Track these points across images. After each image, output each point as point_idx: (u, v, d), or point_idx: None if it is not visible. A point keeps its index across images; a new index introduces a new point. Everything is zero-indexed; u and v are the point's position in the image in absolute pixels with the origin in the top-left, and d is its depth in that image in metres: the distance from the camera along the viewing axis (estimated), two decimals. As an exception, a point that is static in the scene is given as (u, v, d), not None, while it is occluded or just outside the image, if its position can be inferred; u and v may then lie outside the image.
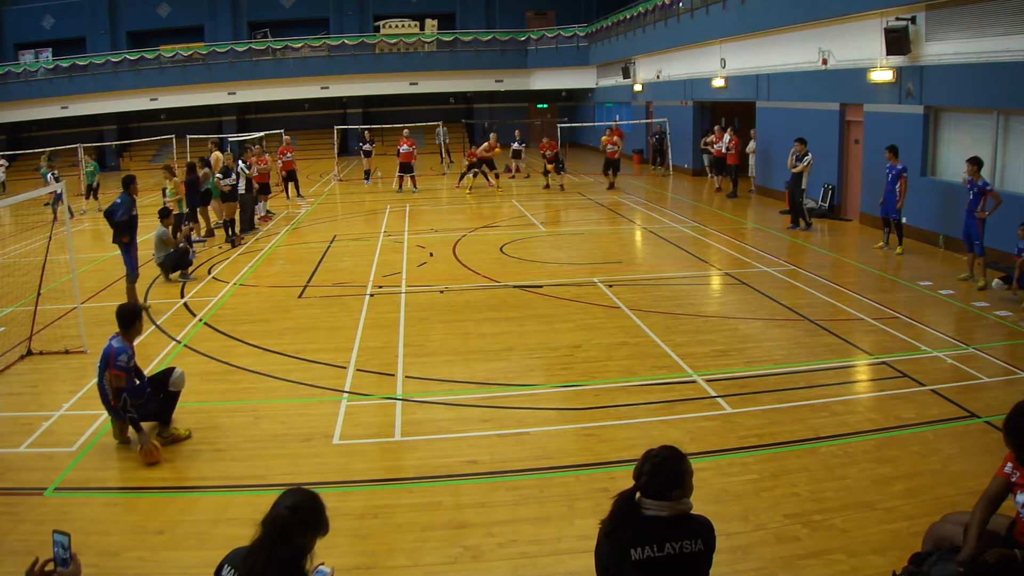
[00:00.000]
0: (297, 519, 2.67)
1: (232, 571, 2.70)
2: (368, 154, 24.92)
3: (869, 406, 6.69)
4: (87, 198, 22.01)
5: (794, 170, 14.71)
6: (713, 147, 20.19)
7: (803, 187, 14.85)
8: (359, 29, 36.87)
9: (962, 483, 5.24)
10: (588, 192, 21.27)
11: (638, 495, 2.97)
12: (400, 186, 22.54)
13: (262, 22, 37.69)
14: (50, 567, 2.60)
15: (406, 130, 23.01)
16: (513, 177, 24.99)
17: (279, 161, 21.01)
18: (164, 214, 12.21)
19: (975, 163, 10.29)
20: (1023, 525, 3.40)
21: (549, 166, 21.82)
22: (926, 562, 3.56)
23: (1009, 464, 3.51)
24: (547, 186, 21.84)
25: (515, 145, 25.26)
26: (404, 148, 21.98)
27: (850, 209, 15.71)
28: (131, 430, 6.18)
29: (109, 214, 10.00)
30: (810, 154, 14.67)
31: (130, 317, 6.19)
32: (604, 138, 22.44)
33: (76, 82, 33.61)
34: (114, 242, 10.13)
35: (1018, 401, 3.52)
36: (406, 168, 22.20)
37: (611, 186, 21.73)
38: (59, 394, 7.44)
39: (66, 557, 2.60)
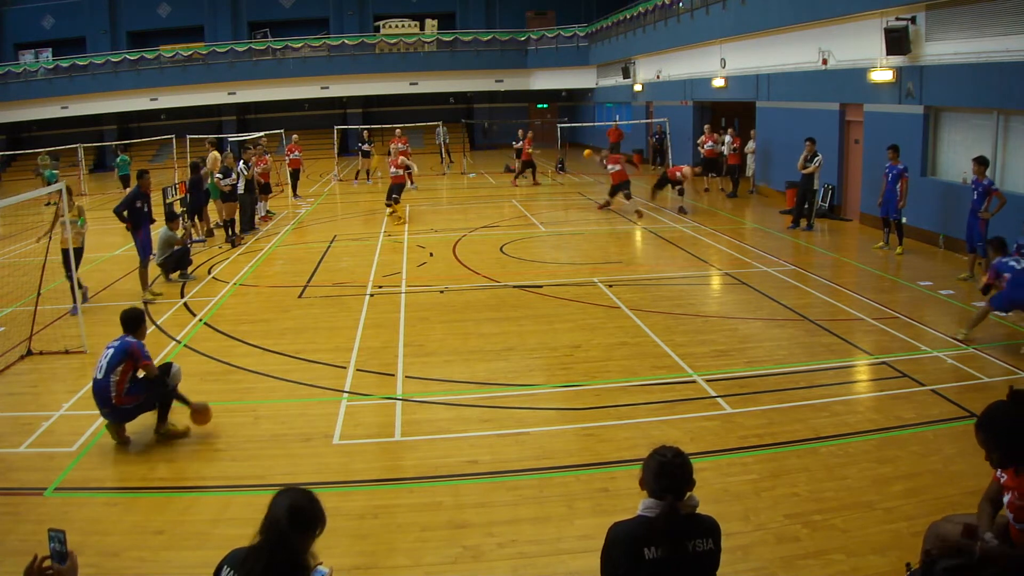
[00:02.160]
0: (295, 522, 2.65)
1: (232, 572, 2.69)
2: (367, 154, 24.95)
3: (869, 406, 6.68)
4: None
5: (804, 171, 14.69)
6: (704, 147, 20.26)
7: (815, 188, 14.82)
8: (359, 29, 36.86)
9: (962, 483, 5.24)
10: (588, 192, 21.26)
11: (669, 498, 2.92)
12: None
13: (262, 22, 37.68)
14: (47, 564, 2.60)
15: (398, 130, 23.40)
16: (516, 178, 24.96)
17: (287, 158, 21.47)
18: (170, 216, 12.25)
19: (982, 163, 10.30)
20: (1014, 528, 3.40)
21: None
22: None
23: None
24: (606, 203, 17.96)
25: (518, 144, 25.22)
26: (399, 147, 22.34)
27: (850, 209, 15.71)
28: (120, 432, 6.29)
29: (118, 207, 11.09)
30: (820, 154, 14.66)
31: (136, 321, 6.42)
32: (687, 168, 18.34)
33: (76, 82, 33.61)
34: (128, 229, 11.22)
35: (993, 401, 3.48)
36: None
37: (681, 210, 17.40)
38: (59, 394, 7.44)
39: (63, 551, 2.60)
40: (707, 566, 2.95)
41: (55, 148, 28.78)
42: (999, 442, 3.33)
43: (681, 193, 18.06)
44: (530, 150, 23.02)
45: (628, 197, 16.94)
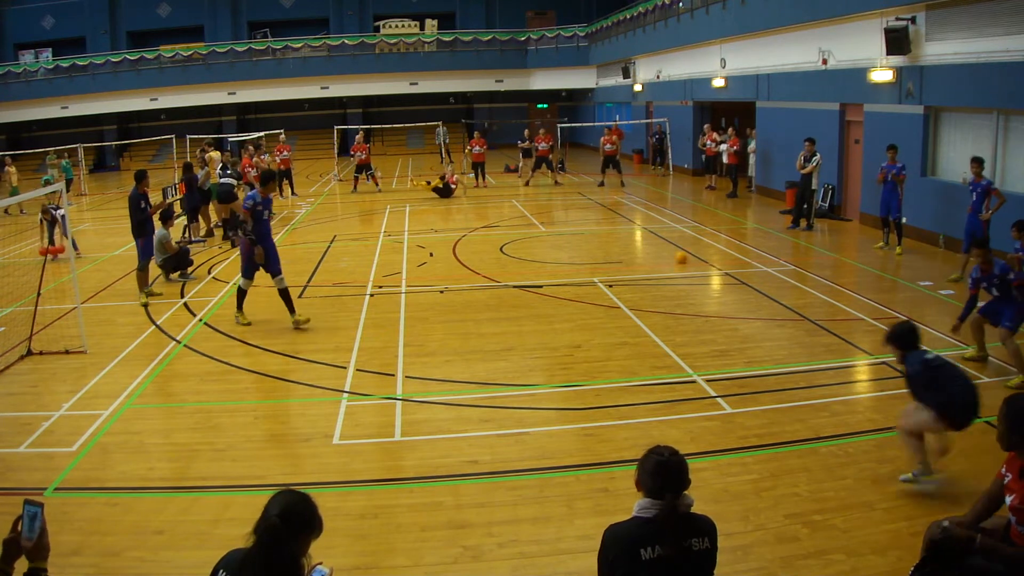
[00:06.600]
0: (289, 526, 2.63)
1: None
2: None
3: (869, 406, 6.69)
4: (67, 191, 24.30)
5: (803, 171, 14.71)
6: (705, 145, 20.31)
7: (813, 188, 14.86)
8: (359, 29, 36.87)
9: (962, 483, 5.24)
10: (588, 192, 21.26)
11: (668, 496, 2.91)
12: (478, 182, 23.28)
13: (262, 22, 37.69)
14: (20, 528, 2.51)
15: (476, 132, 24.09)
16: (526, 179, 24.93)
17: (276, 158, 21.60)
18: (165, 216, 12.22)
19: (979, 163, 10.32)
20: (1016, 529, 3.40)
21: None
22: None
23: (1004, 465, 3.51)
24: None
25: (523, 144, 25.21)
26: (476, 149, 23.13)
27: (850, 209, 15.71)
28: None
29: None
30: (819, 154, 14.68)
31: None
32: (603, 138, 22.47)
33: (76, 82, 33.61)
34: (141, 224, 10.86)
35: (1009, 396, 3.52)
36: (478, 166, 23.29)
37: (602, 184, 22.23)
38: (59, 394, 7.44)
39: (33, 526, 2.50)
40: (705, 566, 2.94)
41: (59, 148, 28.79)
42: (1010, 424, 3.39)
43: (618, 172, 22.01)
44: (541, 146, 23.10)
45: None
